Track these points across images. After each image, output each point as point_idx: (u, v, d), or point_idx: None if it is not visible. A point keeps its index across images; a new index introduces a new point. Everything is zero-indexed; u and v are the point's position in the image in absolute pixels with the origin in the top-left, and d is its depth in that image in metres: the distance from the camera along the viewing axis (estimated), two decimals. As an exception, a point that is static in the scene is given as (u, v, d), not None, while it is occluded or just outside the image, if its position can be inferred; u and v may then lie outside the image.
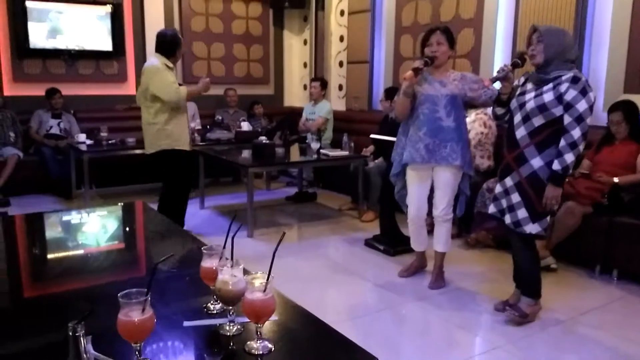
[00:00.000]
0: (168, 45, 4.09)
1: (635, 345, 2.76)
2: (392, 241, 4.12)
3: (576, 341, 2.80)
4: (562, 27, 2.87)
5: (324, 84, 6.17)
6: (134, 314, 1.10)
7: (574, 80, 2.61)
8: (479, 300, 3.30)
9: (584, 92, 2.60)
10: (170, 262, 1.83)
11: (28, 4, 5.92)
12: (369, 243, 4.26)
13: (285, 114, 7.44)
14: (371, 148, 5.17)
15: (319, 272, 3.76)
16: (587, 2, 4.23)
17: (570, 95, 2.60)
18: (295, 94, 7.99)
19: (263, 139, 5.43)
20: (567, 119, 2.62)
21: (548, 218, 2.81)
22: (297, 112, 6.97)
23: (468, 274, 3.71)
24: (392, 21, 6.10)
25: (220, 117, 6.57)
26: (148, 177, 6.24)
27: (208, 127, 6.32)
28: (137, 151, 5.59)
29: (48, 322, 1.36)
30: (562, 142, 2.63)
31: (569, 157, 2.62)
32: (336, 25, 6.98)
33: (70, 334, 0.90)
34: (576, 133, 2.60)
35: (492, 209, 3.01)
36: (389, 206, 4.18)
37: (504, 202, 2.90)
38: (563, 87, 2.62)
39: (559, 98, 2.63)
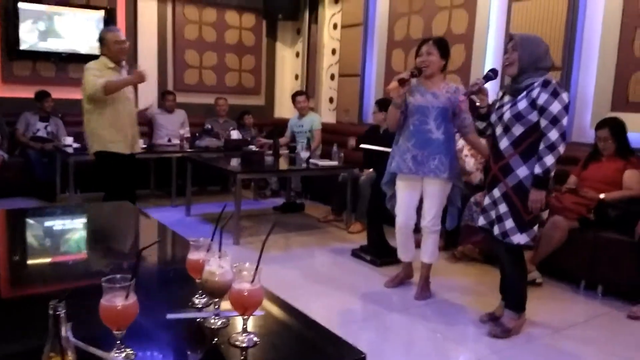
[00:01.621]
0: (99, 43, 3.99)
1: (620, 360, 2.76)
2: (379, 252, 4.11)
3: (560, 355, 2.79)
4: (537, 35, 2.89)
5: (308, 96, 6.13)
6: (117, 299, 1.07)
7: (544, 84, 2.65)
8: (464, 312, 3.28)
9: (555, 94, 2.62)
10: (154, 257, 1.81)
11: (20, 5, 5.89)
12: (356, 253, 4.24)
13: (275, 125, 7.46)
14: (353, 142, 5.06)
15: (305, 280, 3.73)
16: (577, 20, 4.31)
17: (542, 98, 2.63)
18: (285, 106, 7.99)
19: (252, 147, 5.44)
20: (543, 123, 2.65)
21: (536, 228, 2.81)
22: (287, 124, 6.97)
23: (454, 286, 3.70)
24: (385, 35, 6.17)
25: (209, 126, 6.55)
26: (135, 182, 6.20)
27: (197, 134, 6.30)
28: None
29: (26, 319, 1.33)
30: (541, 146, 2.66)
31: (549, 160, 2.64)
32: (329, 38, 7.03)
33: (51, 312, 0.87)
34: (553, 135, 2.62)
35: (481, 221, 3.00)
36: (377, 218, 4.18)
37: (492, 214, 2.90)
38: (535, 93, 2.66)
39: (532, 104, 2.66)
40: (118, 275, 1.10)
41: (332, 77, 7.00)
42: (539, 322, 3.12)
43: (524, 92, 2.71)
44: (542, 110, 2.64)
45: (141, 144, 4.85)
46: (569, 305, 3.48)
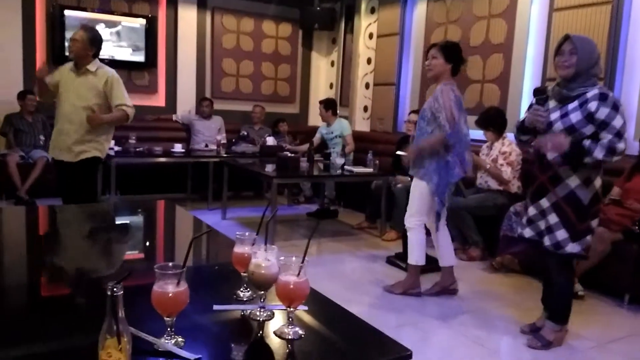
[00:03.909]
0: None
1: (667, 376, 2.66)
2: (414, 260, 4.07)
3: (604, 368, 2.71)
4: (592, 39, 2.78)
5: (328, 105, 6.02)
6: (169, 286, 1.09)
7: (602, 98, 2.54)
8: (503, 321, 3.22)
9: (616, 108, 2.53)
10: (199, 253, 1.84)
11: (67, 12, 6.11)
12: (391, 260, 4.21)
13: (310, 133, 7.51)
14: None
15: (339, 286, 3.72)
16: (620, 29, 4.22)
17: (603, 113, 2.52)
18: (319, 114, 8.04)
19: (287, 153, 5.48)
20: (606, 136, 2.53)
21: (589, 238, 2.69)
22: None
23: (493, 296, 3.64)
24: (421, 44, 6.15)
25: (245, 132, 6.64)
26: (173, 186, 6.33)
27: (233, 140, 6.40)
28: (162, 159, 5.68)
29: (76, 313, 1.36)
30: (604, 141, 2.52)
31: (599, 153, 2.51)
32: (364, 47, 7.04)
33: (109, 293, 0.90)
34: (621, 146, 2.52)
35: (528, 232, 2.85)
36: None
37: (541, 224, 2.77)
38: (592, 106, 2.54)
39: (589, 117, 2.55)
40: (170, 263, 1.12)
41: (367, 85, 7.00)
42: (582, 335, 3.03)
43: (576, 102, 2.60)
44: (603, 125, 2.53)
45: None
46: (612, 319, 3.37)
